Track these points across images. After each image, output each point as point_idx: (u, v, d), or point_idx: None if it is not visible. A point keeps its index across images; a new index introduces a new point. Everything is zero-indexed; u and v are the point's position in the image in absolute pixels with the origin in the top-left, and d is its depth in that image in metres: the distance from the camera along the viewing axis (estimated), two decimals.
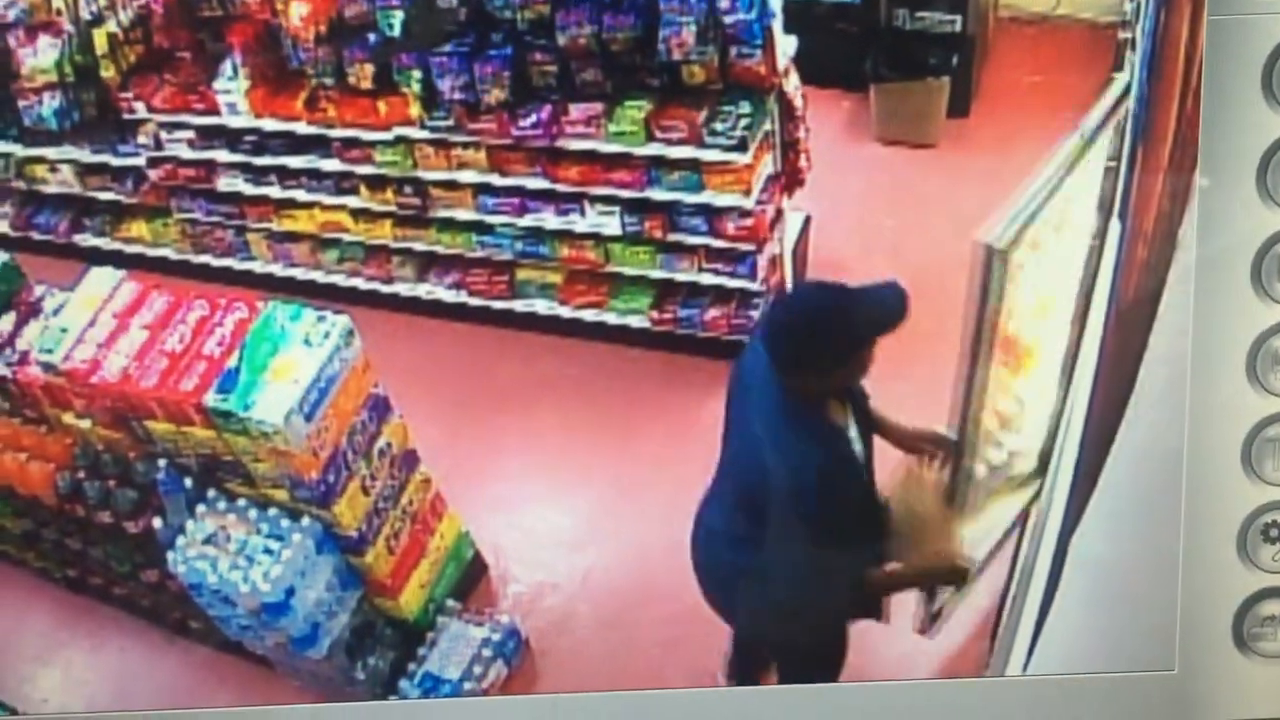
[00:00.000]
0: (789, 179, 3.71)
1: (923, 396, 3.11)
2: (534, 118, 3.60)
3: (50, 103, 4.51)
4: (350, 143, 3.90)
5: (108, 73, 4.25)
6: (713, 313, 3.72)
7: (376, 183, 3.97)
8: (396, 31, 3.68)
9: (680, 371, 3.79)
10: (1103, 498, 2.36)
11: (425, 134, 3.77)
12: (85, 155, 4.58)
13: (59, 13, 4.33)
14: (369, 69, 3.77)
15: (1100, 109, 2.69)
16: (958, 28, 4.36)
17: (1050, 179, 2.58)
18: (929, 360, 3.37)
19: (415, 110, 3.74)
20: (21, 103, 4.60)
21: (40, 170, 4.85)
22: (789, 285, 3.57)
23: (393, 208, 4.00)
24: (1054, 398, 2.80)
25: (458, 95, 3.66)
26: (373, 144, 3.87)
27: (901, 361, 3.01)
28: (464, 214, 3.90)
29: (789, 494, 2.65)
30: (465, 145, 3.74)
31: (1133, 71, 3.01)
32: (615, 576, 3.36)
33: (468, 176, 3.80)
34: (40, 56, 4.44)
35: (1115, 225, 2.65)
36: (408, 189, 3.92)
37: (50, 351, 3.18)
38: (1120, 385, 2.33)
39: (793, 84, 3.63)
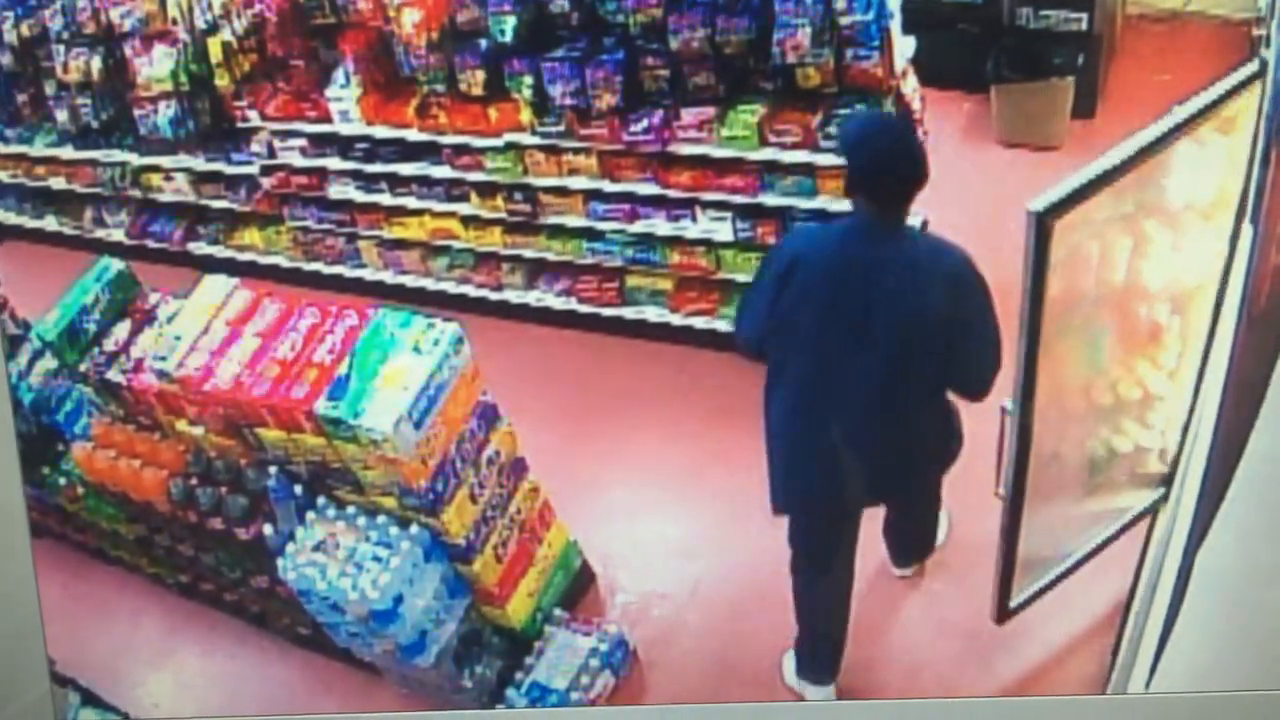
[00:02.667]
0: None
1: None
2: (645, 123, 3.63)
3: (165, 111, 4.63)
4: (461, 149, 3.97)
5: (222, 81, 4.35)
6: None
7: (487, 189, 4.03)
8: (508, 37, 3.73)
9: None
10: (1232, 509, 2.32)
11: (536, 140, 3.83)
12: (199, 163, 4.71)
13: (174, 22, 4.44)
14: (480, 75, 3.84)
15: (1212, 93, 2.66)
16: (1084, 26, 4.31)
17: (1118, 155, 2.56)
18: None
19: (526, 116, 3.79)
20: (137, 111, 4.73)
21: (155, 179, 4.97)
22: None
23: (503, 214, 4.06)
24: (1185, 402, 2.76)
25: (569, 101, 3.71)
26: (483, 150, 3.93)
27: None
28: (574, 220, 3.95)
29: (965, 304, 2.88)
30: (576, 151, 3.78)
31: (1266, 70, 2.96)
32: (724, 587, 3.36)
33: (578, 183, 3.85)
34: (156, 66, 4.56)
35: (1247, 230, 2.61)
36: (518, 195, 3.98)
37: (164, 359, 3.25)
38: (1252, 393, 2.30)
39: (910, 86, 3.61)
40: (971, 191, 3.82)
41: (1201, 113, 2.53)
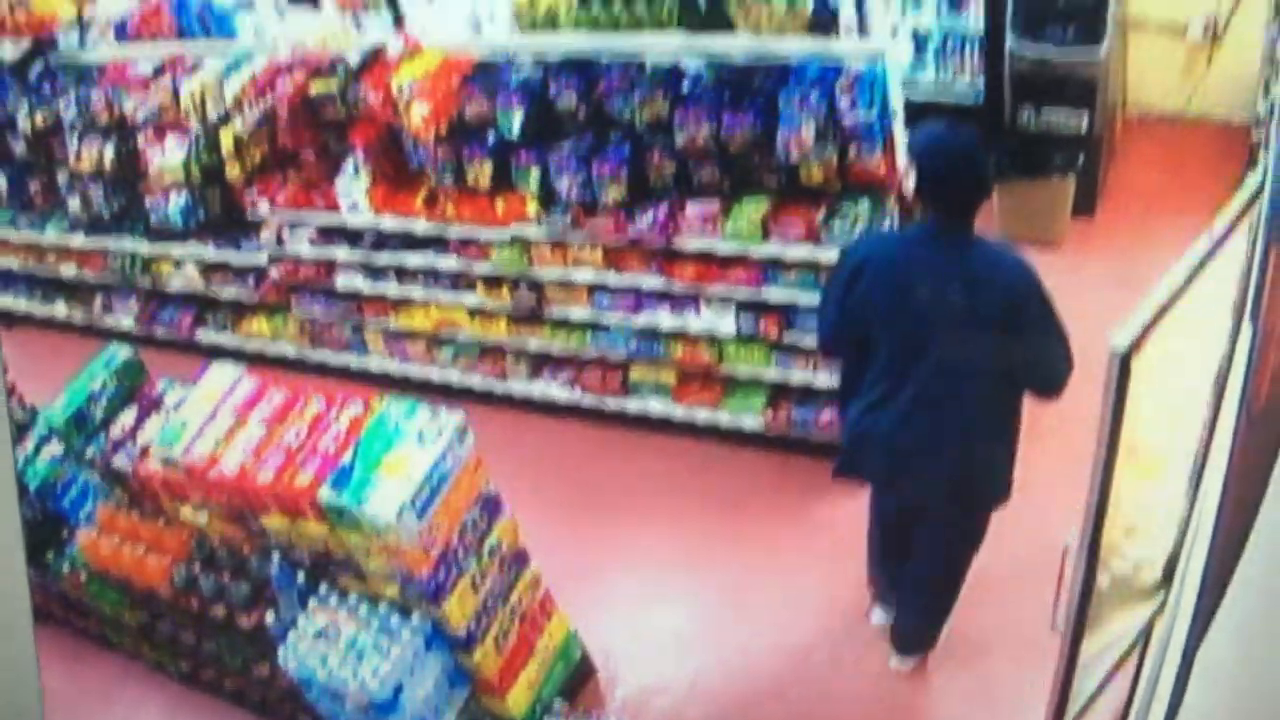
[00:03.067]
0: None
1: (1041, 498, 3.10)
2: (651, 216, 3.66)
3: (176, 201, 4.68)
4: (467, 241, 4.02)
5: (233, 172, 4.40)
6: (827, 415, 3.74)
7: (493, 281, 4.08)
8: (516, 131, 3.77)
9: (793, 474, 3.81)
10: (1233, 606, 2.31)
11: (542, 233, 3.85)
12: (209, 253, 4.81)
13: (187, 114, 4.49)
14: (488, 168, 3.88)
15: (1231, 211, 2.68)
16: (1084, 128, 4.37)
17: (1178, 283, 2.57)
18: (1050, 464, 3.36)
19: (533, 209, 3.82)
20: (148, 201, 4.78)
21: (165, 268, 5.03)
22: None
23: (508, 306, 4.10)
24: (1181, 505, 2.76)
25: (575, 194, 3.75)
26: (490, 242, 3.97)
27: (1022, 464, 3.01)
28: (579, 312, 3.98)
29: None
30: (581, 244, 3.80)
31: (1266, 172, 2.97)
32: (723, 680, 3.35)
33: (583, 275, 3.88)
34: (168, 156, 4.61)
35: (1246, 329, 2.62)
36: (523, 287, 4.00)
37: (170, 445, 3.26)
38: (1252, 490, 2.29)
39: (912, 184, 3.63)
40: None
41: (1237, 220, 2.55)
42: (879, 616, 3.43)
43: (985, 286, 2.94)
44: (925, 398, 3.03)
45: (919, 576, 3.27)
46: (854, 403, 3.13)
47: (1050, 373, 2.93)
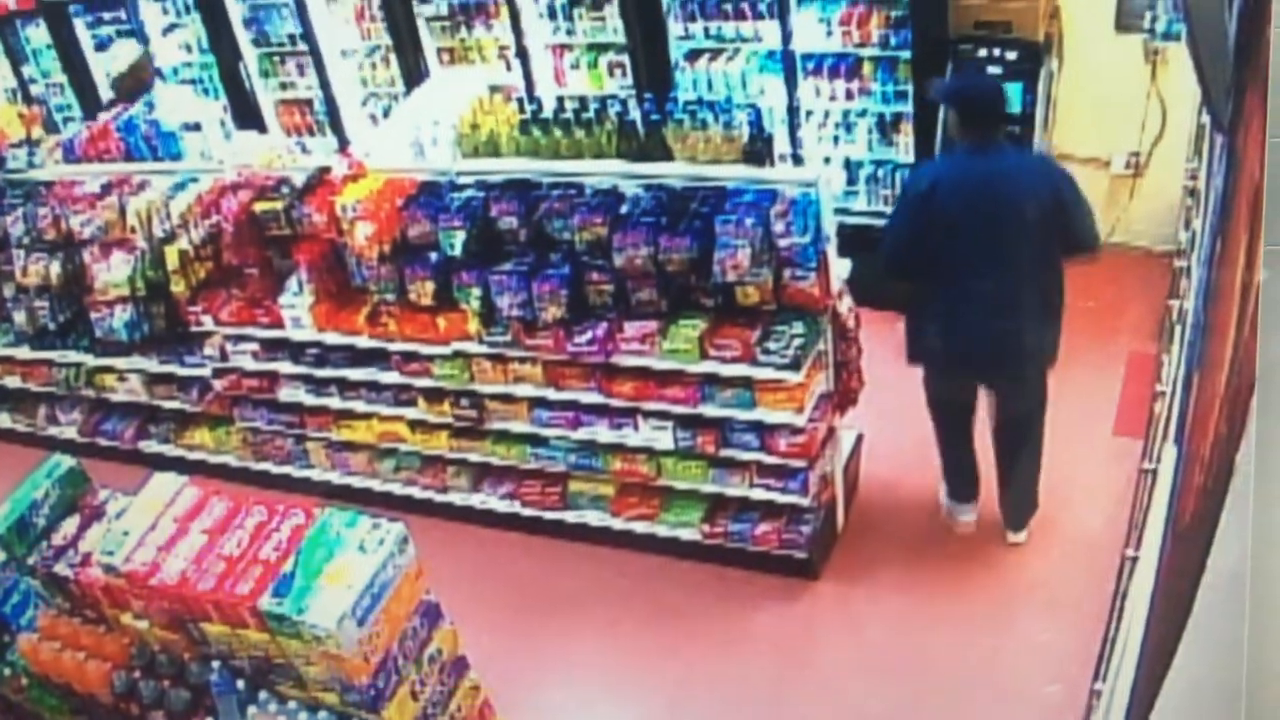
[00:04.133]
0: (842, 397, 3.79)
1: (973, 618, 3.15)
2: (590, 334, 3.72)
3: (121, 315, 4.71)
4: (410, 356, 4.07)
5: (177, 288, 4.44)
6: (764, 527, 3.80)
7: (434, 395, 4.12)
8: (458, 251, 3.84)
9: (731, 585, 3.87)
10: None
11: (483, 349, 3.92)
12: (153, 366, 4.81)
13: (133, 230, 4.54)
14: (430, 286, 3.94)
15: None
16: None
17: None
18: (980, 581, 3.43)
19: (474, 326, 3.89)
20: (94, 315, 4.80)
21: (109, 379, 5.04)
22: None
23: (450, 419, 4.14)
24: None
25: (516, 312, 3.81)
26: (432, 358, 4.03)
27: (954, 581, 3.07)
28: (519, 426, 4.04)
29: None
30: (522, 360, 3.88)
31: (1188, 300, 3.07)
32: None
33: (524, 390, 3.94)
34: (114, 271, 4.64)
35: (1171, 450, 2.68)
36: (465, 402, 4.07)
37: (111, 554, 3.25)
38: (1177, 611, 2.33)
39: (846, 305, 3.74)
40: (906, 410, 3.94)
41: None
42: (966, 515, 3.98)
43: (1030, 175, 3.76)
44: (1002, 282, 3.68)
45: (1009, 447, 3.85)
46: (928, 309, 3.72)
47: (1090, 232, 3.69)
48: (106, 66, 4.82)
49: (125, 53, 4.87)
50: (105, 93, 5.23)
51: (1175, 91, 4.53)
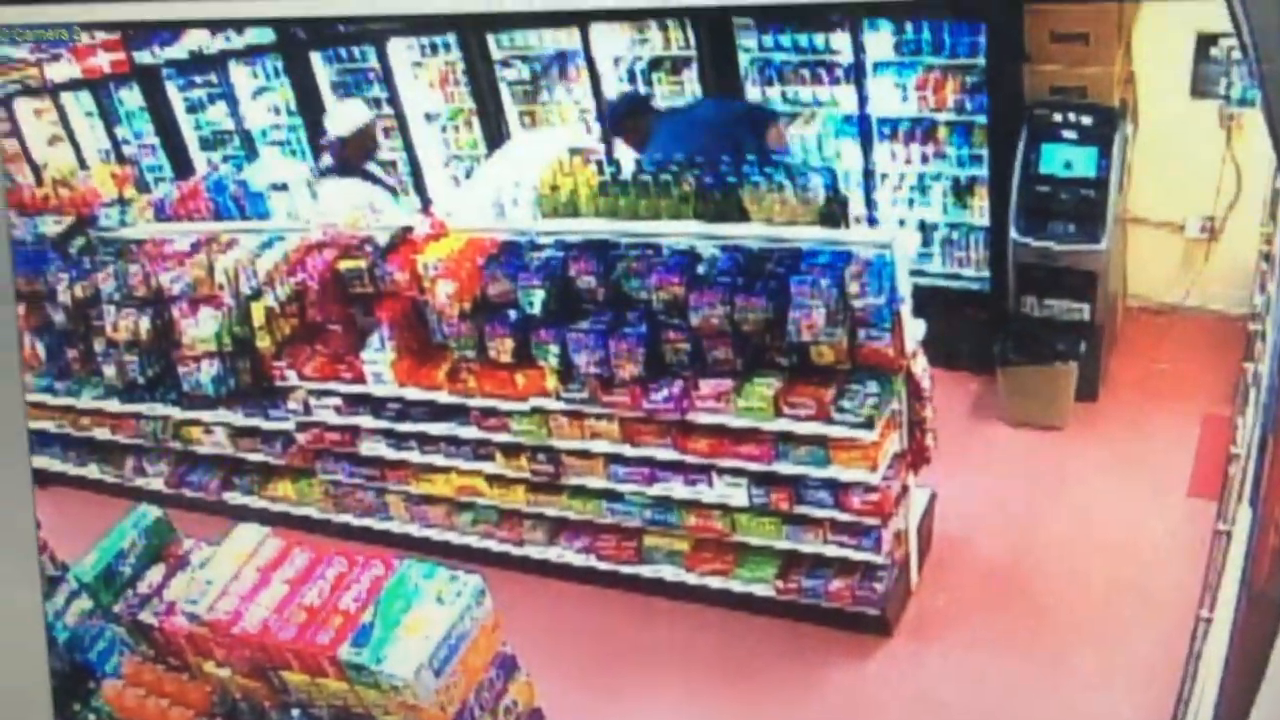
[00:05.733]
0: (915, 456, 3.79)
1: (1045, 678, 3.14)
2: (666, 392, 3.77)
3: (208, 370, 4.81)
4: (488, 412, 4.13)
5: (263, 343, 4.52)
6: (837, 584, 3.81)
7: (512, 450, 4.17)
8: (537, 309, 3.89)
9: (804, 641, 3.87)
10: None
11: (560, 405, 3.98)
12: (238, 419, 4.90)
13: (221, 288, 4.63)
14: (509, 343, 4.00)
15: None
16: (1086, 316, 4.49)
17: None
18: (1052, 641, 3.41)
19: (552, 383, 3.95)
20: (181, 369, 4.90)
21: (195, 432, 5.14)
22: None
23: (527, 474, 4.19)
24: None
25: (593, 369, 3.86)
26: (510, 413, 4.09)
27: (1026, 640, 3.05)
28: (595, 482, 4.08)
29: None
30: (599, 416, 3.92)
31: (1263, 363, 3.05)
32: None
33: (600, 446, 3.99)
34: (201, 327, 4.74)
35: (1245, 512, 2.66)
36: (542, 457, 4.12)
37: (195, 602, 3.31)
38: (1250, 673, 2.31)
39: (920, 365, 3.74)
40: (978, 468, 3.93)
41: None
42: None
43: None
44: None
45: None
46: None
47: None
48: (329, 125, 4.86)
49: (352, 115, 4.87)
50: (196, 153, 5.33)
51: (1250, 156, 4.50)
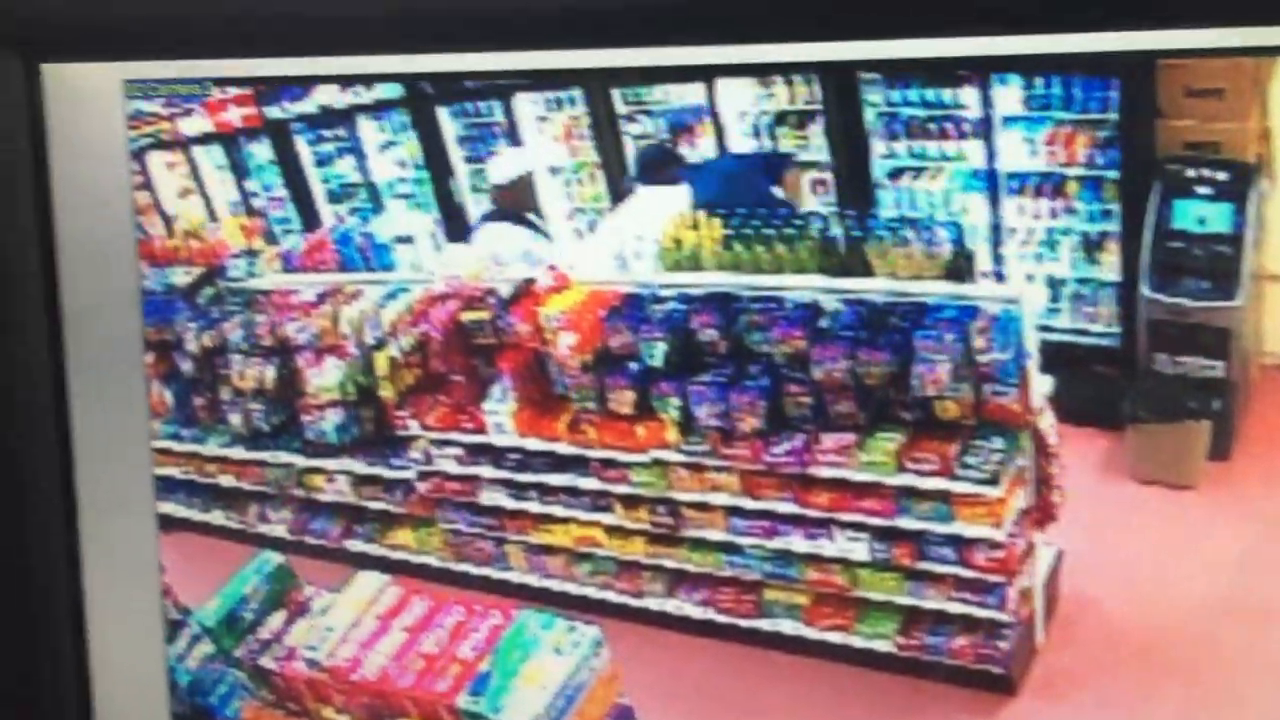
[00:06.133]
0: (1041, 513, 3.77)
1: None
2: (787, 445, 3.78)
3: (332, 418, 4.91)
4: (608, 463, 4.18)
5: (386, 392, 4.61)
6: (960, 641, 3.77)
7: (631, 501, 4.21)
8: (658, 361, 3.92)
9: (925, 698, 3.84)
10: None
11: (681, 457, 4.00)
12: (360, 467, 4.99)
13: (345, 337, 4.72)
14: (630, 395, 4.04)
15: None
16: (1220, 373, 4.43)
17: None
18: (1181, 706, 3.35)
19: (672, 435, 3.97)
20: (305, 418, 5.00)
21: (318, 480, 5.24)
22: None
23: (646, 526, 4.21)
24: None
25: (714, 422, 3.89)
26: (630, 465, 4.13)
27: (1154, 703, 3.01)
28: (715, 534, 4.08)
29: None
30: (719, 469, 3.93)
31: None
32: None
33: (720, 499, 4.00)
34: (325, 376, 4.84)
35: None
36: (661, 508, 4.14)
37: (315, 649, 3.38)
38: None
39: (1047, 421, 3.72)
40: (1107, 527, 3.89)
41: None
42: None
43: None
44: None
45: None
46: None
47: None
48: (491, 172, 4.96)
49: (514, 163, 4.94)
50: (324, 206, 5.45)
51: None
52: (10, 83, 3.00)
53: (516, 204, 4.89)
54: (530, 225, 4.77)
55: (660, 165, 4.40)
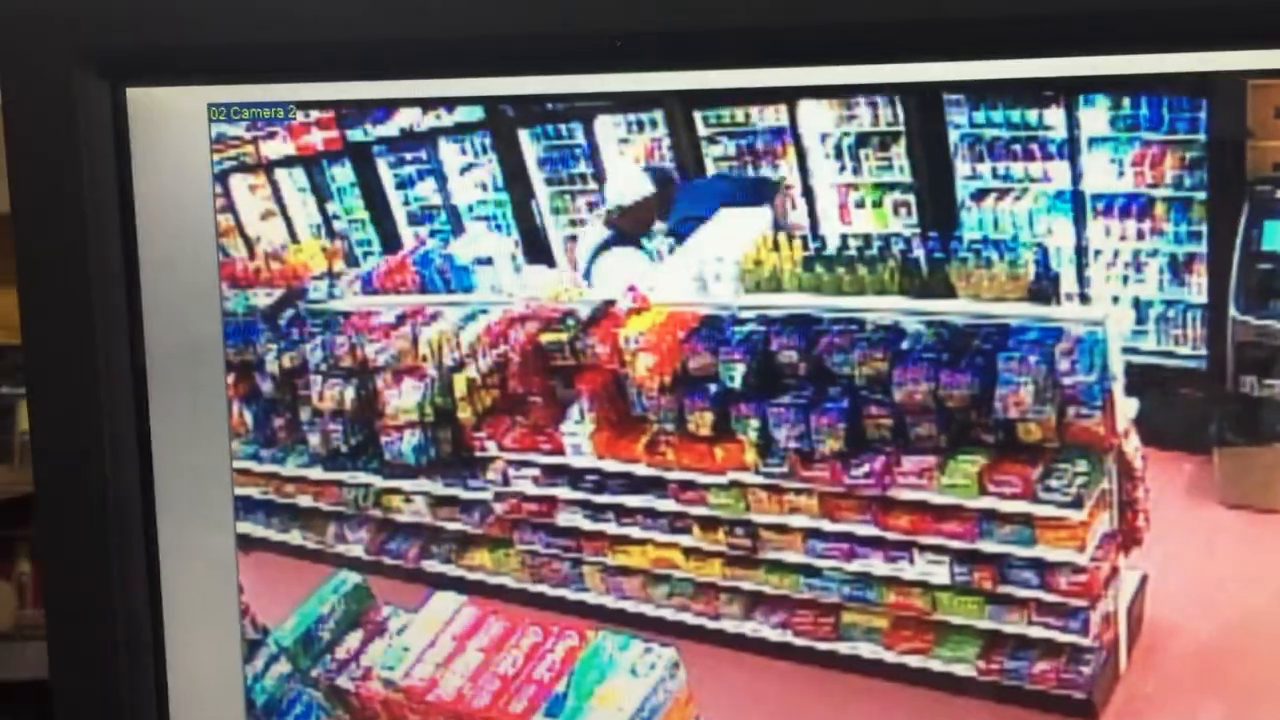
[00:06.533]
0: (1126, 538, 3.74)
1: None
2: (867, 467, 3.78)
3: (410, 439, 4.96)
4: (686, 485, 4.18)
5: (464, 414, 4.65)
6: (1041, 666, 3.75)
7: (709, 523, 4.20)
8: (737, 383, 3.94)
9: None
10: None
11: (759, 479, 3.99)
12: (438, 488, 5.01)
13: (424, 359, 4.77)
14: (708, 417, 4.05)
15: None
16: None
17: None
18: None
19: (751, 457, 3.96)
20: (384, 439, 5.06)
21: (396, 501, 5.27)
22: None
23: (723, 547, 4.19)
24: None
25: (793, 444, 3.89)
26: (708, 486, 4.14)
27: None
28: (793, 556, 4.05)
29: None
30: (798, 491, 3.92)
31: None
32: None
33: (798, 521, 3.98)
34: (404, 397, 4.89)
35: None
36: (739, 530, 4.12)
37: (392, 669, 3.43)
38: None
39: (1132, 445, 3.70)
40: (1192, 550, 3.85)
41: None
42: None
43: None
44: None
45: None
46: None
47: None
48: (609, 195, 4.97)
49: (634, 186, 4.94)
50: (404, 228, 5.52)
51: None
52: (97, 107, 3.09)
53: (637, 227, 4.90)
54: (645, 250, 4.79)
55: (658, 186, 4.42)
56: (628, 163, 5.33)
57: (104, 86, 3.07)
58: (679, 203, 4.20)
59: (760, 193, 4.23)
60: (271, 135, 5.29)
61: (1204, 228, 4.56)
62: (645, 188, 4.93)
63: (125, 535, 3.35)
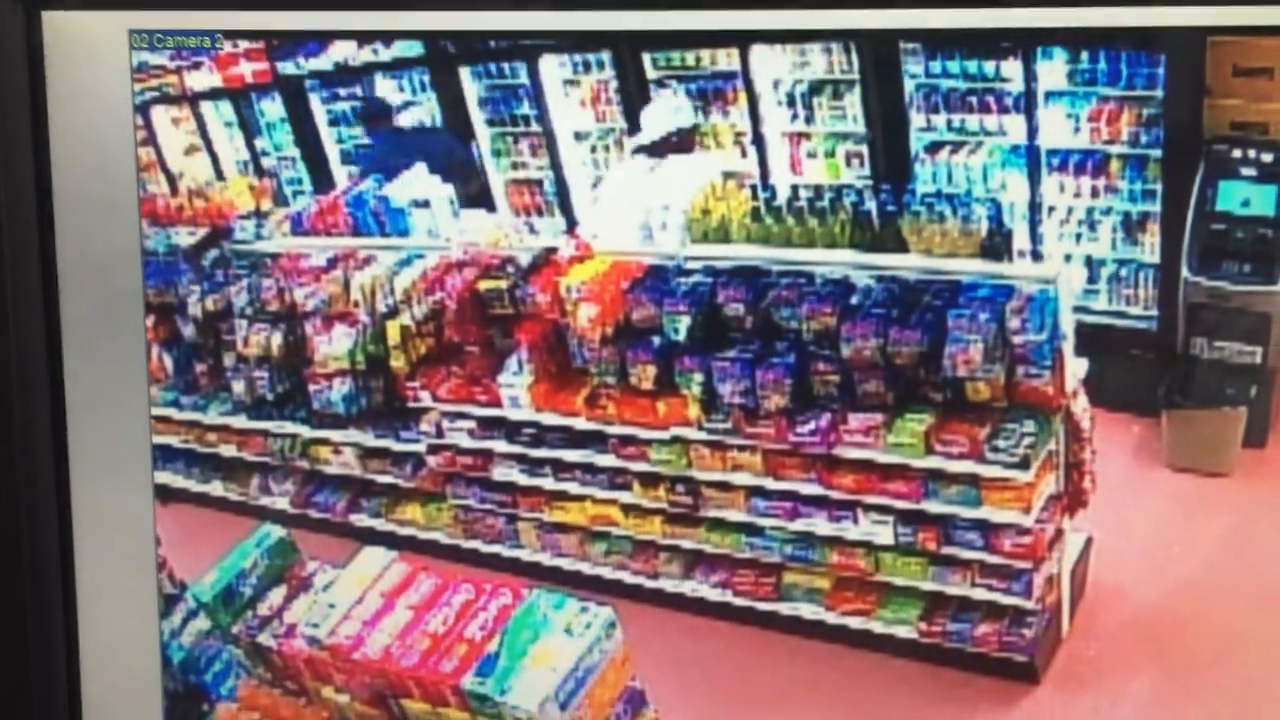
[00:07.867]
0: (1071, 499, 3.84)
1: None
2: (812, 425, 3.86)
3: (340, 388, 4.99)
4: (627, 440, 4.25)
5: (397, 362, 4.69)
6: (983, 628, 3.87)
7: (650, 480, 4.28)
8: (681, 336, 4.00)
9: (947, 686, 3.92)
10: None
11: (702, 435, 4.09)
12: (368, 439, 5.05)
13: (356, 305, 4.80)
14: (651, 370, 4.13)
15: None
16: (1258, 359, 4.49)
17: None
18: (1208, 699, 3.42)
19: (694, 412, 4.05)
20: (312, 387, 5.08)
21: (324, 452, 5.32)
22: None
23: (664, 505, 4.29)
24: None
25: (737, 399, 3.98)
26: (649, 442, 4.21)
27: (1181, 696, 3.08)
28: (735, 515, 4.17)
29: None
30: (741, 448, 4.02)
31: None
32: None
33: (741, 478, 4.08)
34: (334, 344, 4.92)
35: None
36: (680, 487, 4.22)
37: (317, 626, 3.47)
38: None
39: (1080, 405, 3.80)
40: (1138, 513, 3.95)
41: None
42: None
43: None
44: None
45: None
46: None
47: None
48: (644, 125, 4.88)
49: (671, 116, 4.83)
50: (337, 167, 5.51)
51: None
52: (10, 30, 3.05)
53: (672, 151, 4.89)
54: None
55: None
56: (572, 102, 5.35)
57: (17, 9, 3.04)
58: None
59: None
60: (196, 66, 5.25)
61: (1159, 186, 4.64)
62: (683, 119, 4.83)
63: (36, 484, 3.34)
